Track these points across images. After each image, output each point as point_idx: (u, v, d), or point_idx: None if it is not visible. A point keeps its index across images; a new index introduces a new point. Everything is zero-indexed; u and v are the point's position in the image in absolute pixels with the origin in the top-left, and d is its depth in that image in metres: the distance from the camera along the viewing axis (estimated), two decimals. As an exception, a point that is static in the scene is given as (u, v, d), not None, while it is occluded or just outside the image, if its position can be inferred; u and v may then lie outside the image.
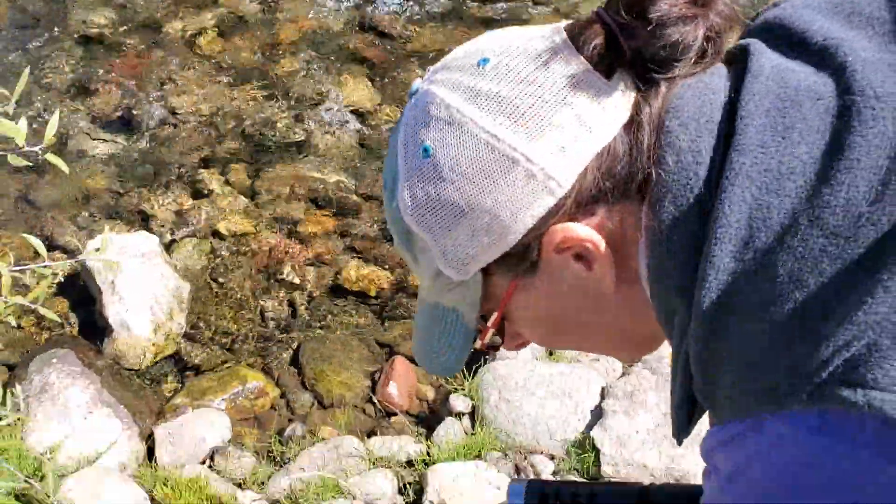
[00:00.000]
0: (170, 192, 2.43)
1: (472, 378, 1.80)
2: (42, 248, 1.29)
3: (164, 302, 2.02)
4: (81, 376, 1.77)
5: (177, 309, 2.04)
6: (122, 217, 2.35)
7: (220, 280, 2.20)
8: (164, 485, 1.55)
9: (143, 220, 2.36)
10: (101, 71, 2.84)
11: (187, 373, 1.97)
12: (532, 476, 1.63)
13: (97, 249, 1.39)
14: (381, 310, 2.14)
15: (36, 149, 1.09)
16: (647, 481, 1.48)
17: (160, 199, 2.41)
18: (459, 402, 1.76)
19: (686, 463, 1.62)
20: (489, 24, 3.07)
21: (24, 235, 1.33)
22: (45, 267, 1.34)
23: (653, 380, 1.79)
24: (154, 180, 2.47)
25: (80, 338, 1.98)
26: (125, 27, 3.04)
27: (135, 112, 2.69)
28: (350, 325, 2.10)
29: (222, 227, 2.35)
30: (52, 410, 1.67)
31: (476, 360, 1.90)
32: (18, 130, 1.06)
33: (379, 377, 1.91)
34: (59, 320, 2.00)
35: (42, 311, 1.29)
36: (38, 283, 1.29)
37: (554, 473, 1.64)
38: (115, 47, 2.95)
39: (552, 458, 1.67)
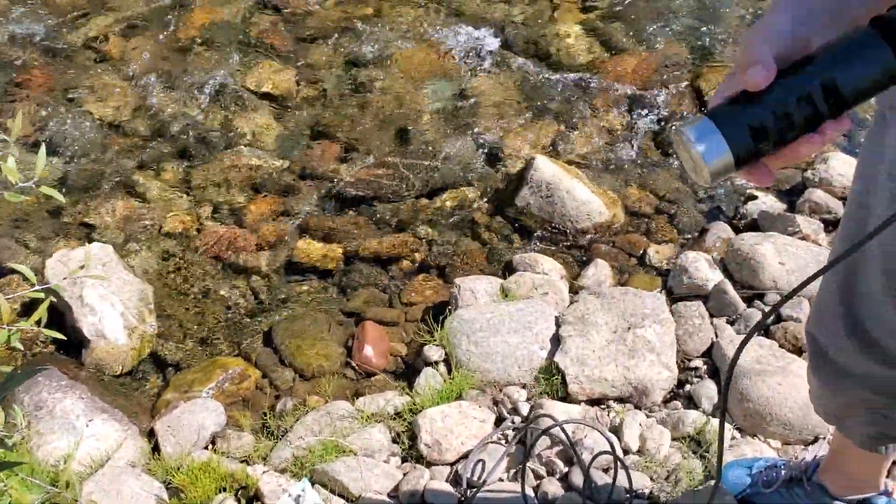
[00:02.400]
0: (109, 200, 2.47)
1: (441, 328, 1.96)
2: (31, 275, 1.37)
3: (133, 306, 2.09)
4: (71, 389, 1.85)
5: (146, 311, 2.12)
6: (69, 233, 2.38)
7: (180, 277, 2.28)
8: (178, 472, 1.66)
9: (90, 232, 2.40)
10: (9, 91, 2.81)
11: (169, 369, 2.06)
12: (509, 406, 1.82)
13: (82, 267, 1.47)
14: (339, 281, 2.27)
15: (30, 183, 1.16)
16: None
17: (102, 209, 2.44)
18: (433, 352, 1.93)
19: (639, 371, 1.83)
20: (388, -8, 3.17)
21: (14, 265, 1.40)
22: (38, 290, 1.41)
23: (597, 302, 2.00)
24: (91, 191, 2.50)
25: (57, 354, 2.04)
26: (23, 44, 2.99)
27: (54, 127, 2.69)
28: (313, 299, 2.23)
29: (169, 226, 2.41)
30: (53, 424, 1.75)
31: (441, 311, 2.07)
32: (12, 170, 1.13)
33: (353, 343, 2.05)
34: (32, 340, 2.05)
35: (47, 332, 1.37)
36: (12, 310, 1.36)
37: (527, 400, 1.83)
38: (19, 65, 2.91)
39: (524, 386, 1.86)
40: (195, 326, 2.17)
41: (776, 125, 0.60)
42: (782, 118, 0.59)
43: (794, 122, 0.60)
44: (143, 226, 2.41)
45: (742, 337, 1.97)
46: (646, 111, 2.68)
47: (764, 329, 2.00)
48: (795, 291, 0.70)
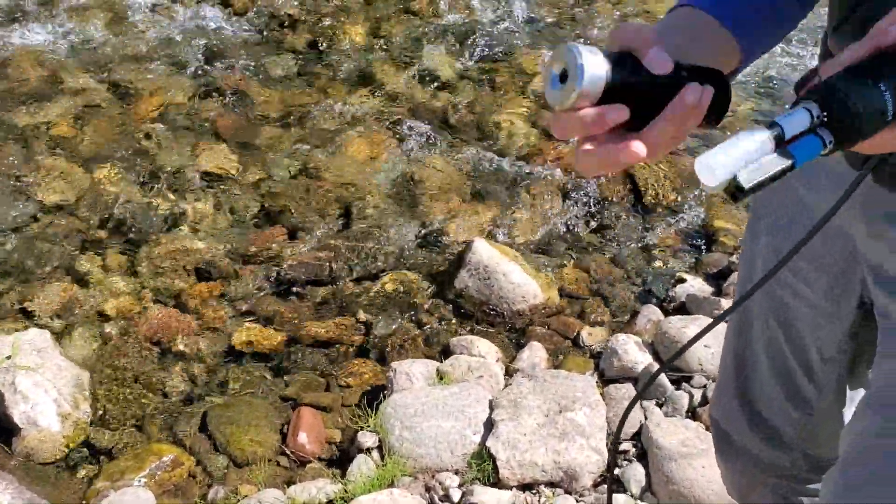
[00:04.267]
0: (50, 284, 2.47)
1: (376, 413, 1.99)
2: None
3: (67, 393, 2.08)
4: (-3, 480, 1.82)
5: (80, 397, 2.11)
6: (6, 318, 2.37)
7: (118, 362, 2.27)
8: (103, 567, 1.64)
9: (27, 317, 2.39)
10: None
11: (102, 457, 2.04)
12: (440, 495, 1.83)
13: (8, 357, 1.47)
14: (278, 365, 2.29)
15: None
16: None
17: (41, 294, 2.44)
18: (366, 438, 1.94)
19: (568, 455, 1.87)
20: (335, 81, 3.28)
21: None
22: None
23: (530, 385, 2.04)
24: (30, 275, 2.50)
25: (-15, 443, 2.01)
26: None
27: (-2, 210, 2.70)
28: (251, 384, 2.23)
29: (108, 310, 2.42)
30: (-24, 519, 1.72)
31: (378, 395, 2.09)
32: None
33: (287, 429, 2.06)
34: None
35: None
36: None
37: (459, 486, 1.85)
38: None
39: (456, 472, 1.88)
40: (131, 412, 2.16)
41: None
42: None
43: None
44: (83, 310, 2.41)
45: (671, 419, 2.02)
46: (581, 196, 2.78)
47: (691, 412, 2.06)
48: (672, 359, 0.80)
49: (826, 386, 1.06)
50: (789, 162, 0.56)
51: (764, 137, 0.55)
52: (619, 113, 0.59)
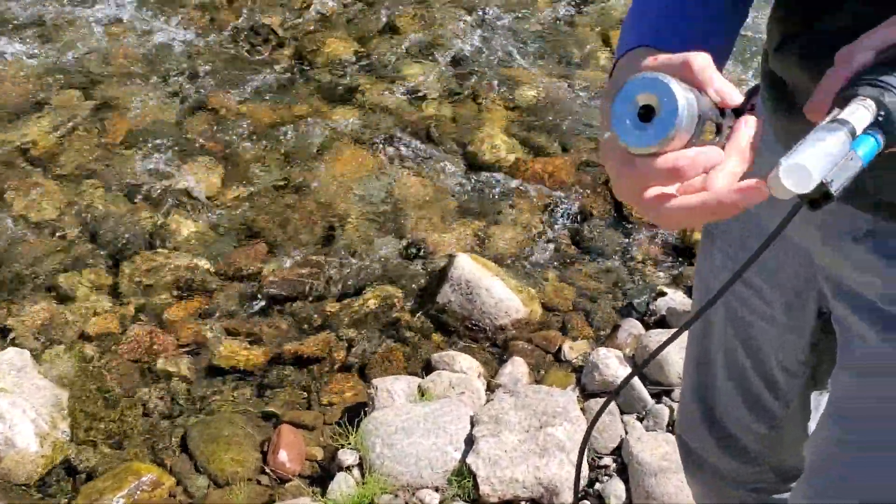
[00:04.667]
0: (30, 303, 2.46)
1: (356, 431, 1.98)
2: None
3: (46, 413, 2.07)
4: (-26, 503, 1.80)
5: (59, 417, 2.10)
6: (-15, 337, 2.35)
7: (97, 381, 2.26)
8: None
9: (5, 336, 2.38)
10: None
11: (80, 477, 2.03)
12: None
13: (-17, 381, 1.47)
14: (259, 383, 2.28)
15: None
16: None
17: (22, 312, 2.43)
18: (347, 456, 1.94)
19: (549, 471, 1.87)
20: (318, 96, 3.28)
21: None
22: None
23: (512, 401, 2.04)
24: (11, 294, 2.49)
25: (-38, 465, 1.99)
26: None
27: (-22, 228, 2.69)
28: (232, 402, 2.23)
29: (90, 329, 2.41)
30: (-48, 543, 1.70)
31: (359, 412, 2.09)
32: None
33: (268, 447, 2.05)
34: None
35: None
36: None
37: (440, 503, 1.84)
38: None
39: (437, 489, 1.88)
40: (110, 432, 2.15)
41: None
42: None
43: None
44: (64, 329, 2.40)
45: (651, 433, 2.03)
46: (563, 210, 2.79)
47: (671, 425, 2.06)
48: (643, 365, 0.81)
49: (789, 398, 1.07)
50: (860, 163, 0.51)
51: (844, 137, 0.51)
52: (715, 156, 0.52)
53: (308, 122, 3.16)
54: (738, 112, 0.57)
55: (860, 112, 0.52)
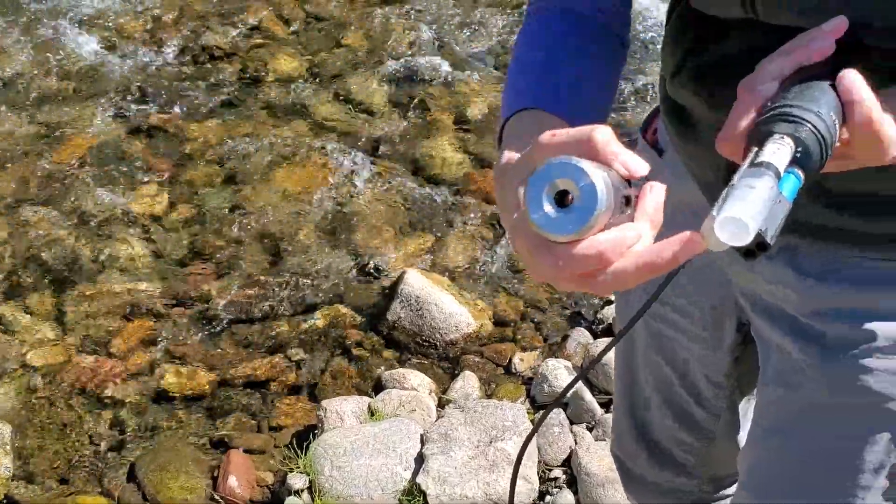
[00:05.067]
0: (-30, 335, 2.41)
1: (305, 454, 1.97)
2: None
3: (-13, 450, 2.02)
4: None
5: (1, 452, 2.05)
6: (-77, 372, 2.30)
7: (41, 413, 2.22)
8: None
9: (-53, 370, 2.32)
10: None
11: (24, 514, 1.99)
12: None
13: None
14: (208, 408, 2.26)
15: None
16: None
17: (-39, 345, 2.38)
18: (296, 480, 1.93)
19: (499, 486, 1.87)
20: (266, 113, 3.27)
21: None
22: None
23: (462, 417, 2.05)
24: (-49, 326, 2.44)
25: None
26: None
27: (-85, 260, 2.62)
28: (180, 429, 2.20)
29: (32, 358, 2.36)
30: None
31: (309, 434, 2.08)
32: None
33: (218, 473, 2.03)
34: None
35: None
36: None
37: (391, 523, 1.84)
38: None
39: (387, 509, 1.87)
40: (56, 465, 2.11)
41: None
42: None
43: None
44: (5, 360, 2.35)
45: (600, 443, 2.05)
46: (512, 222, 2.81)
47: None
48: (587, 369, 0.81)
49: (718, 410, 1.09)
50: (788, 205, 0.50)
51: (771, 182, 0.49)
52: (636, 233, 0.51)
53: (256, 140, 3.14)
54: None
55: (781, 151, 0.51)
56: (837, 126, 0.54)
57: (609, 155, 0.52)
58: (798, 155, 0.52)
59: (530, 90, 0.71)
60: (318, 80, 3.45)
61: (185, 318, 2.49)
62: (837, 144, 0.55)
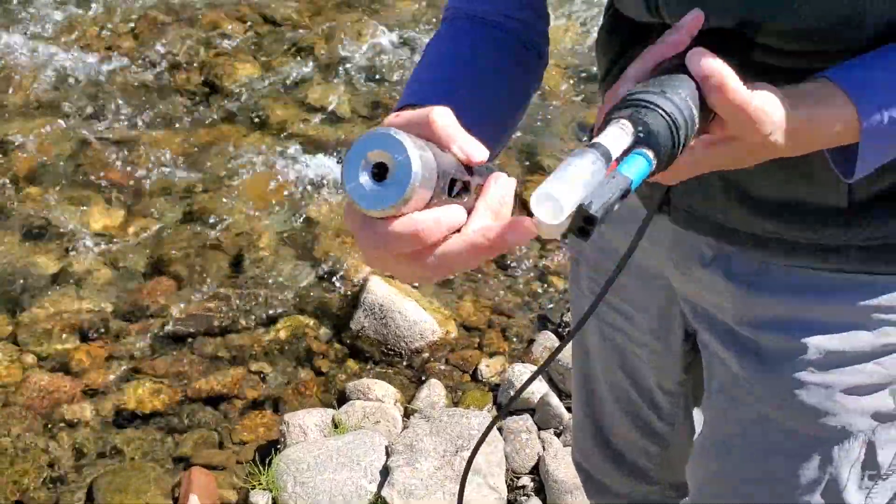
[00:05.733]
0: (-81, 358, 2.33)
1: (268, 470, 1.93)
2: None
3: (-64, 477, 1.95)
4: None
5: (-48, 480, 1.99)
6: None
7: (-5, 437, 2.16)
8: None
9: None
10: None
11: (-23, 542, 1.92)
12: None
13: None
14: (169, 425, 2.21)
15: None
16: None
17: None
18: (259, 497, 1.88)
19: (469, 497, 1.85)
20: (227, 121, 3.22)
21: None
22: None
23: (427, 427, 2.02)
24: None
25: None
26: None
27: None
28: (141, 447, 2.15)
29: (-14, 380, 2.30)
30: None
31: (272, 449, 2.04)
32: None
33: (179, 492, 1.98)
34: None
35: None
36: None
37: (357, 538, 1.81)
38: None
39: (352, 524, 1.84)
40: (10, 489, 2.05)
41: None
42: None
43: None
44: (-42, 382, 2.28)
45: (568, 448, 2.03)
46: (476, 226, 2.79)
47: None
48: (544, 366, 0.86)
49: (673, 418, 1.08)
50: (627, 183, 0.50)
51: (594, 158, 0.49)
52: (458, 215, 0.50)
53: (216, 149, 3.09)
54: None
55: (613, 132, 0.52)
56: (695, 108, 0.55)
57: (445, 137, 0.50)
58: (640, 135, 0.52)
59: (422, 90, 0.70)
60: (279, 88, 3.41)
61: (144, 333, 2.44)
62: (698, 125, 0.55)
